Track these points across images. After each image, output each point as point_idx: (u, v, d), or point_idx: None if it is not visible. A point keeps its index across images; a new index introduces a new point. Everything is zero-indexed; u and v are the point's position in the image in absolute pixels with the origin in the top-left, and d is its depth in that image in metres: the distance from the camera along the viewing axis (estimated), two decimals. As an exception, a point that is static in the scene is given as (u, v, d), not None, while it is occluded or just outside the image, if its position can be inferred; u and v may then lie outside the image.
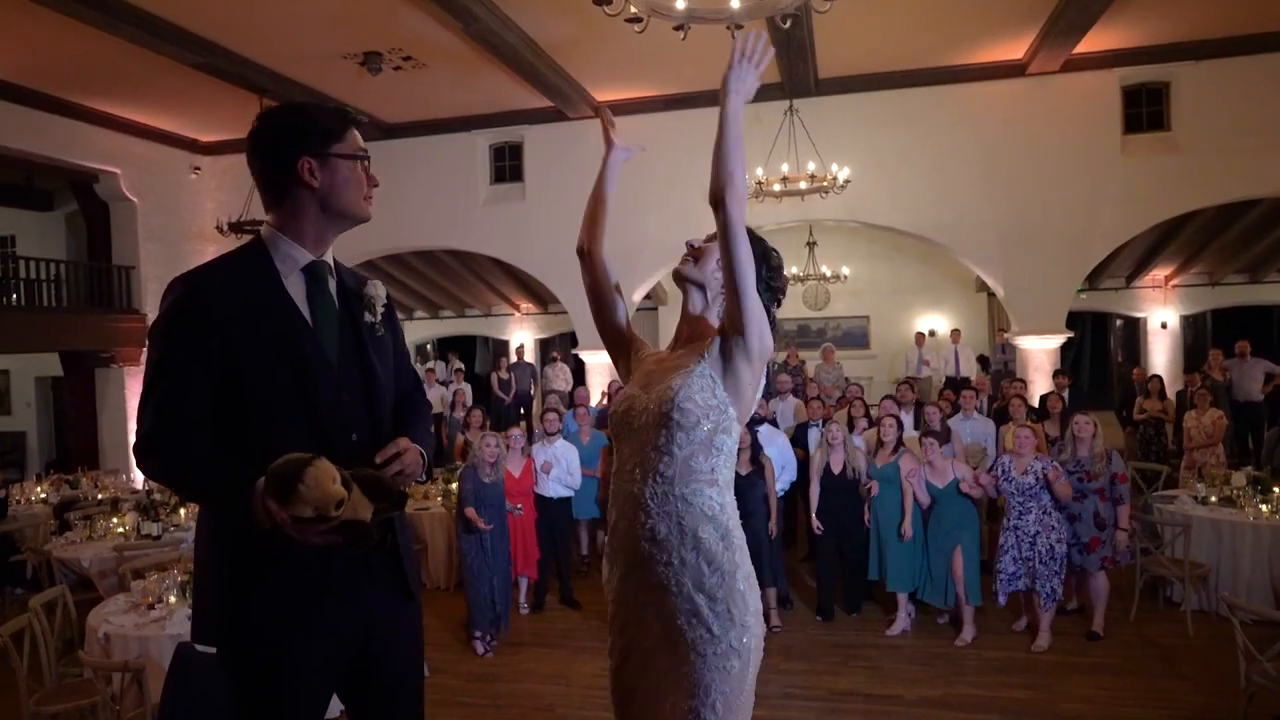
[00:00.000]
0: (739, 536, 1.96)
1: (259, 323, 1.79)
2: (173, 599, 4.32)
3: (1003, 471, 5.50)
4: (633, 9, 3.88)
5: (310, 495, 1.65)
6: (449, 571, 7.17)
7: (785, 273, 2.35)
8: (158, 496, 6.62)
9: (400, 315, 17.95)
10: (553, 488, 6.33)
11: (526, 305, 16.94)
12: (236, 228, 9.47)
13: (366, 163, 1.96)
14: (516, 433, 6.49)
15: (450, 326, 17.96)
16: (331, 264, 1.97)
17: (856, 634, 5.97)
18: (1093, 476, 5.55)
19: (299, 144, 1.88)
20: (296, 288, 1.88)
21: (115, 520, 6.22)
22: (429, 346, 18.12)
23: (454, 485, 7.61)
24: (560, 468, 6.30)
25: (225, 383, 1.76)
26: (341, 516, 1.68)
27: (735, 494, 2.01)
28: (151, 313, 11.84)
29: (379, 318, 1.99)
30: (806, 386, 9.25)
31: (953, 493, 5.61)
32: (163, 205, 11.95)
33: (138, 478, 11.07)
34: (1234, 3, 8.41)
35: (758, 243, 2.06)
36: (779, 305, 2.16)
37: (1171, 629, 5.72)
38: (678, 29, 4.22)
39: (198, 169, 12.50)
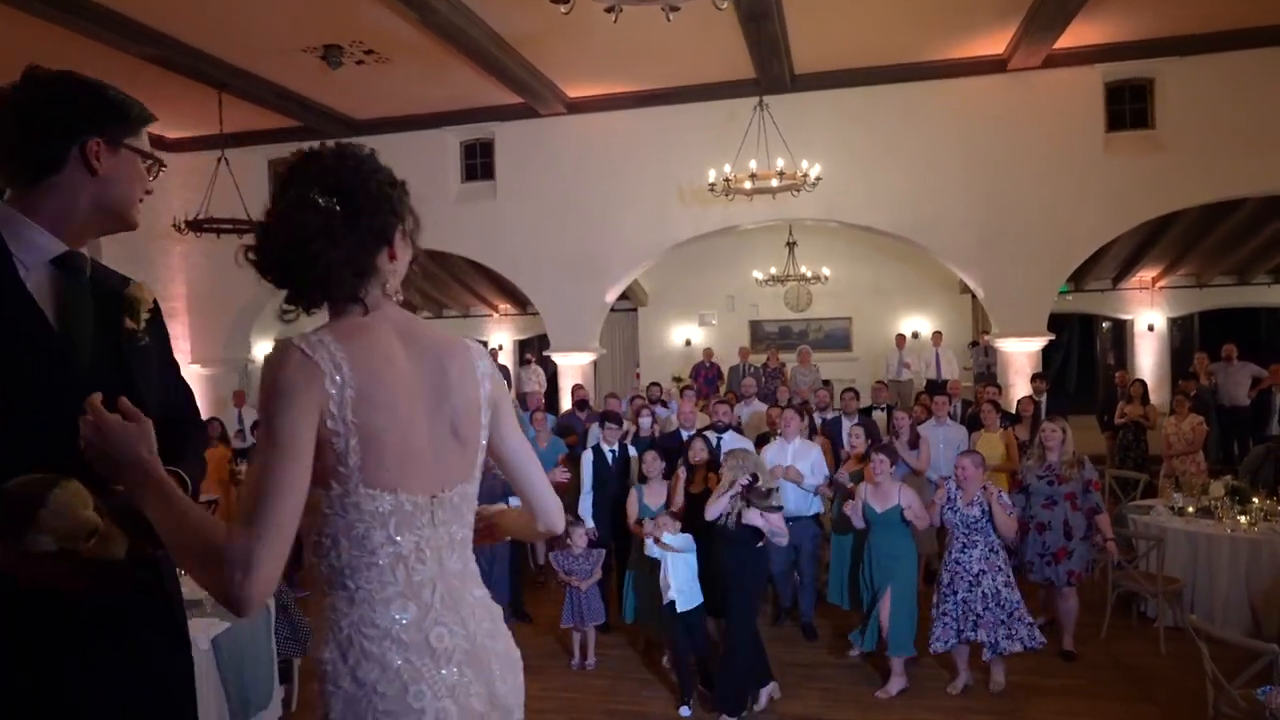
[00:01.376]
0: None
1: None
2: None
3: (948, 500, 5.01)
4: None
5: (54, 523, 1.37)
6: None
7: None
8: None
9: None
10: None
11: (505, 306, 16.68)
12: (196, 226, 9.17)
13: (156, 169, 1.72)
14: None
15: (429, 327, 17.65)
16: (88, 259, 1.68)
17: (814, 653, 5.71)
18: (1063, 480, 5.26)
19: (92, 123, 1.61)
20: (40, 283, 1.59)
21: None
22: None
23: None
24: None
25: None
26: (92, 551, 1.41)
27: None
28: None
29: (141, 325, 1.71)
30: (778, 391, 8.95)
31: (893, 520, 5.03)
32: (125, 203, 11.64)
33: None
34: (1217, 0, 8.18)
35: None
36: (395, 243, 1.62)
37: (1144, 647, 5.47)
38: (608, 11, 3.95)
39: (163, 166, 12.18)
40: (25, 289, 1.55)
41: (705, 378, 11.53)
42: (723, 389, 11.55)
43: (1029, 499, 5.40)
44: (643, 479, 5.57)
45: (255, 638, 4.17)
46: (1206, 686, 3.72)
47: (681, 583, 4.75)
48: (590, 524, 5.94)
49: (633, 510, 5.45)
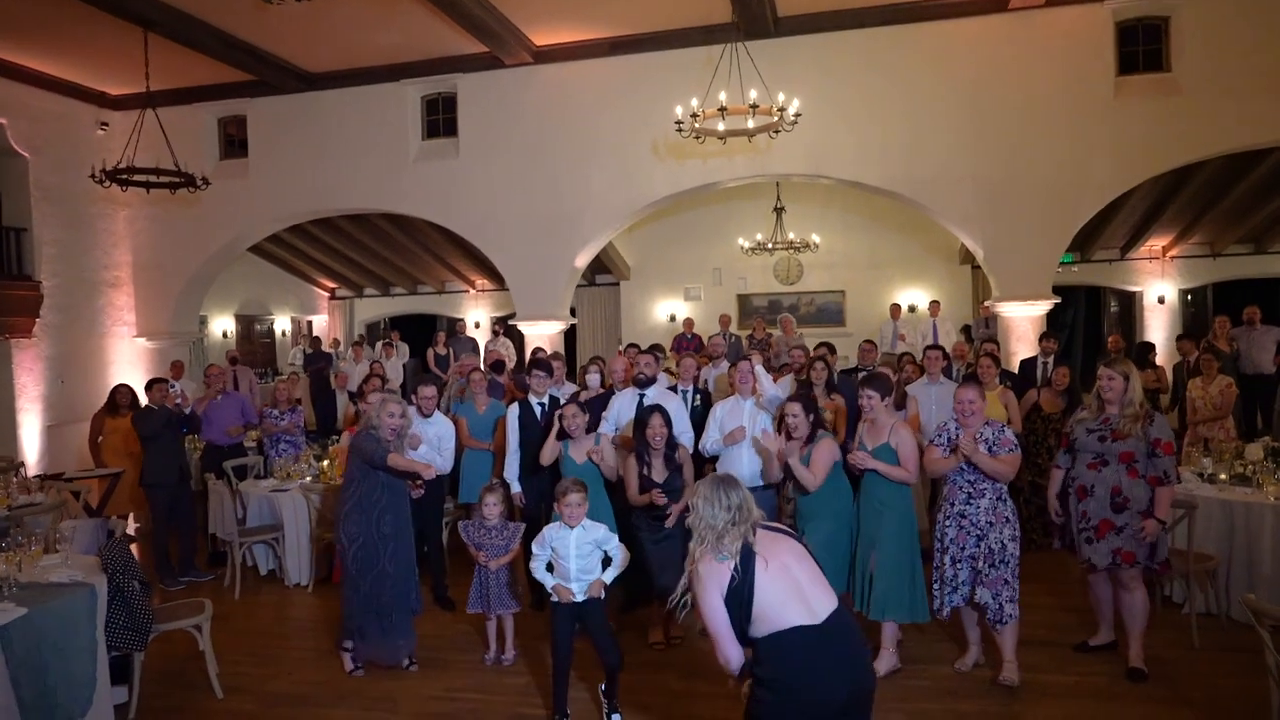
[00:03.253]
0: None
1: None
2: None
3: (947, 440, 4.29)
4: None
5: None
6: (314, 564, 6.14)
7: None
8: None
9: (349, 293, 17.03)
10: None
11: (481, 281, 15.85)
12: (114, 176, 8.33)
13: None
14: (429, 392, 5.47)
15: (403, 305, 16.86)
16: None
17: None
18: (1119, 436, 4.16)
19: None
20: None
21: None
22: (381, 325, 17.01)
23: (326, 463, 6.56)
24: (430, 446, 5.21)
25: None
26: None
27: None
28: (48, 279, 10.73)
29: None
30: (752, 356, 8.10)
31: (884, 458, 4.29)
32: (62, 162, 10.82)
33: (26, 461, 10.00)
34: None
35: None
36: None
37: (1172, 638, 4.64)
38: None
39: (105, 124, 11.38)
40: None
41: (687, 349, 10.72)
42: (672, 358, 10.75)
43: (1075, 459, 4.36)
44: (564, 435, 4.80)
45: (68, 627, 3.36)
46: (1269, 686, 2.91)
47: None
48: (517, 488, 5.15)
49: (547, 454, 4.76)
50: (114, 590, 3.69)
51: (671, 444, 4.75)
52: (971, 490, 4.19)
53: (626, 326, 14.81)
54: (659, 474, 4.68)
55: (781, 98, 6.95)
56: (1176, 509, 4.63)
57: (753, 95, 7.02)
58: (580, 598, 3.91)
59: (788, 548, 2.52)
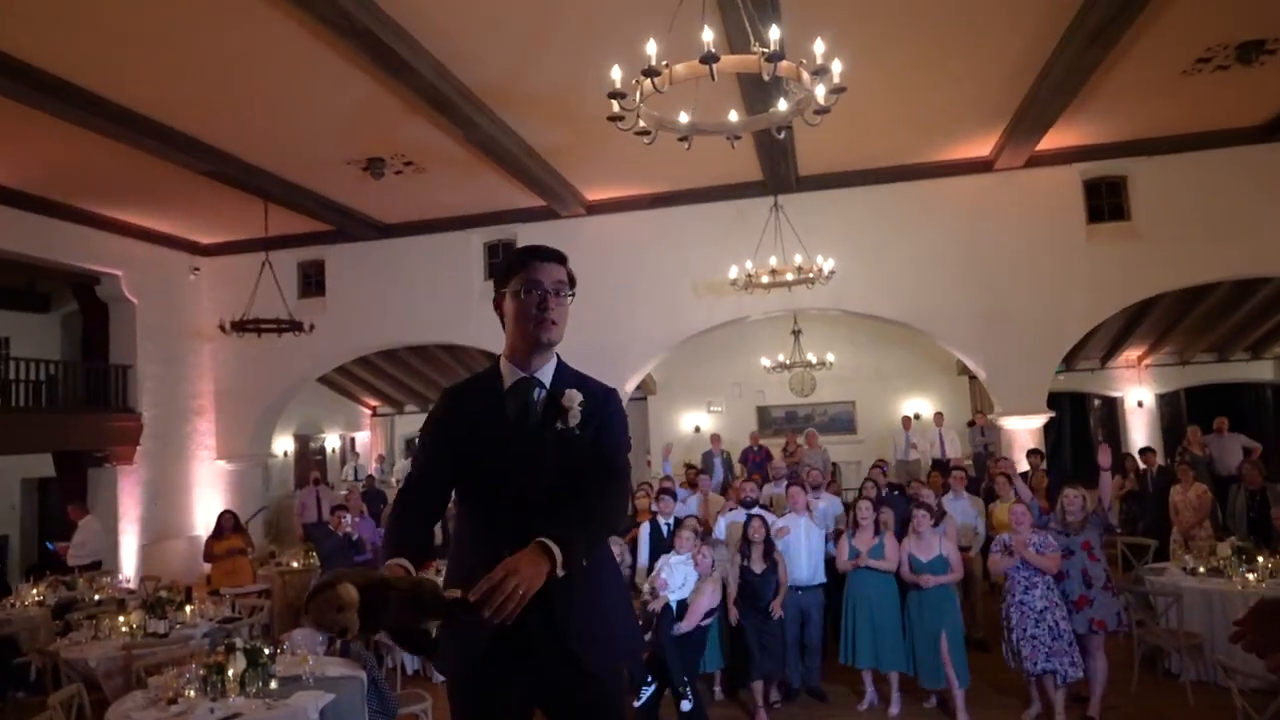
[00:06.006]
0: None
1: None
2: (191, 693, 4.35)
3: (1000, 549, 5.62)
4: (642, 123, 4.23)
5: (312, 619, 1.76)
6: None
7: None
8: (164, 594, 6.62)
9: (390, 410, 18.23)
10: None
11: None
12: (240, 326, 9.68)
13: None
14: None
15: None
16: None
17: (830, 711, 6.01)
18: (1077, 530, 5.61)
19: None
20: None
21: (121, 619, 6.20)
22: (417, 441, 18.14)
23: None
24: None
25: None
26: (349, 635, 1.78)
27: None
28: (148, 410, 11.92)
29: (571, 424, 2.24)
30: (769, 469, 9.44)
31: (938, 569, 5.67)
32: (161, 305, 12.19)
33: (131, 578, 10.94)
34: (1181, 105, 9.08)
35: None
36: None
37: (1173, 700, 5.82)
38: (682, 140, 4.57)
39: (197, 269, 12.80)
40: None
41: (753, 461, 11.96)
42: (740, 470, 11.95)
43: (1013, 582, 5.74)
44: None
45: (354, 709, 4.48)
46: (1241, 722, 4.10)
47: None
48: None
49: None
50: (370, 681, 4.81)
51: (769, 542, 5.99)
52: (1027, 583, 5.46)
53: (654, 440, 16.04)
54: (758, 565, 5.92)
55: (819, 259, 8.43)
56: (1167, 597, 5.90)
57: (798, 259, 8.49)
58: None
59: None
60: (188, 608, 6.46)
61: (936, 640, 5.54)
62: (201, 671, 4.43)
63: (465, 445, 2.21)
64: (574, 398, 2.22)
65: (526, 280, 2.26)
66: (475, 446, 2.20)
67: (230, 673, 4.42)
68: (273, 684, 4.55)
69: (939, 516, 6.45)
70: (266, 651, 4.73)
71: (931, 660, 5.56)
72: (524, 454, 2.17)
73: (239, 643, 4.58)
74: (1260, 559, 6.23)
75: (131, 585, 9.32)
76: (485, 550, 2.05)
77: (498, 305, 2.31)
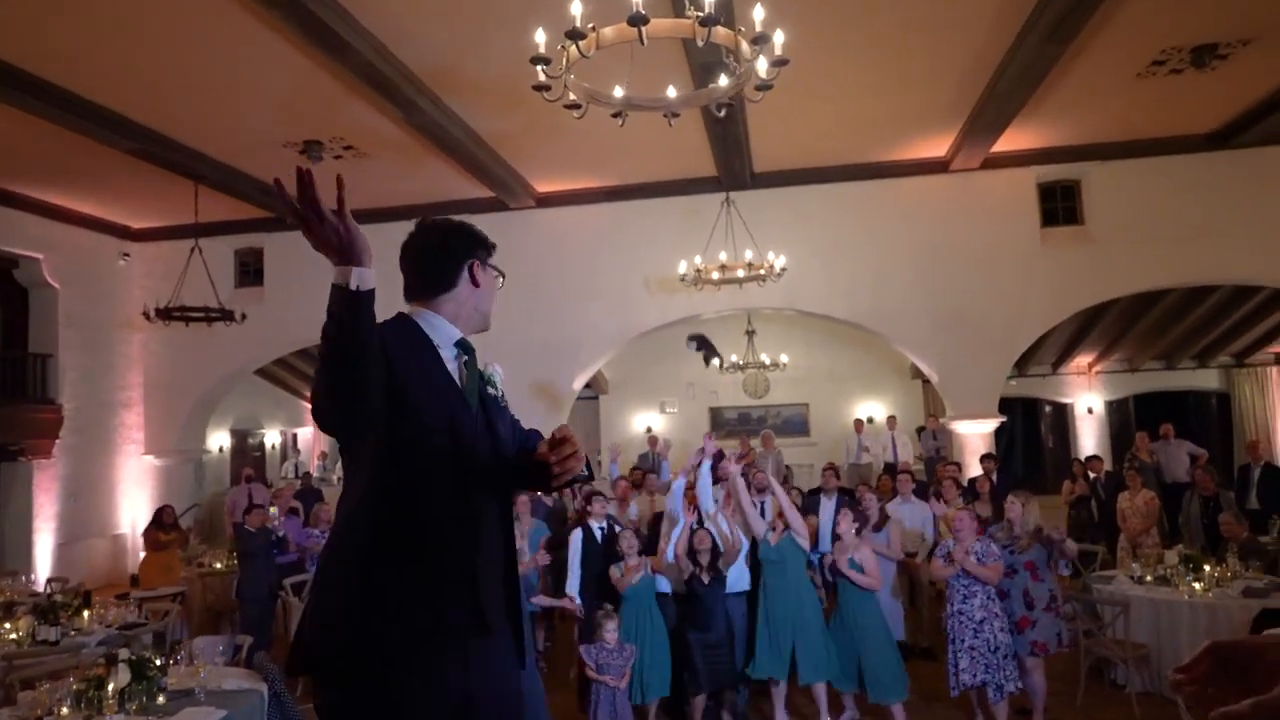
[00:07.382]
0: None
1: None
2: (65, 710, 3.94)
3: (944, 555, 5.39)
4: (572, 95, 3.93)
5: None
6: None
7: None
8: (58, 598, 6.13)
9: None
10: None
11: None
12: (166, 314, 9.16)
13: None
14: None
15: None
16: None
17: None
18: (1022, 550, 5.37)
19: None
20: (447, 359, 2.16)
21: (8, 625, 5.72)
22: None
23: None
24: None
25: None
26: None
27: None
28: (68, 403, 11.30)
29: (499, 391, 2.28)
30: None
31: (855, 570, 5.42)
32: (87, 291, 11.59)
33: (39, 579, 10.33)
34: (1135, 110, 9.03)
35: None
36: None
37: (1119, 712, 5.65)
38: (615, 116, 4.27)
39: (127, 255, 12.21)
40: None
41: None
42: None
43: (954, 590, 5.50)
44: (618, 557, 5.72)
45: (250, 726, 4.12)
46: (1188, 739, 3.92)
47: None
48: (578, 601, 5.97)
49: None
50: (273, 695, 4.42)
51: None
52: (965, 592, 5.22)
53: (605, 439, 15.73)
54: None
55: (771, 256, 8.20)
56: (1115, 606, 5.74)
57: (749, 255, 8.25)
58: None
59: None
60: (85, 612, 5.99)
61: (857, 648, 5.30)
62: (77, 686, 4.02)
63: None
64: (498, 370, 2.29)
65: (495, 266, 2.25)
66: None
67: (110, 687, 4.01)
68: (160, 699, 4.16)
69: (879, 522, 6.27)
70: (158, 662, 4.33)
71: (851, 669, 5.33)
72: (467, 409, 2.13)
73: (123, 654, 4.18)
74: (1207, 568, 6.11)
75: (37, 587, 8.74)
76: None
77: (471, 269, 2.17)
